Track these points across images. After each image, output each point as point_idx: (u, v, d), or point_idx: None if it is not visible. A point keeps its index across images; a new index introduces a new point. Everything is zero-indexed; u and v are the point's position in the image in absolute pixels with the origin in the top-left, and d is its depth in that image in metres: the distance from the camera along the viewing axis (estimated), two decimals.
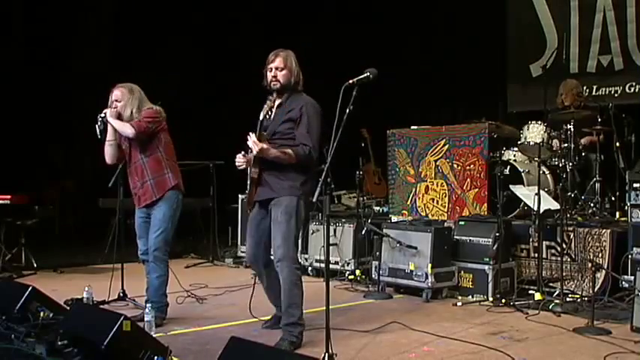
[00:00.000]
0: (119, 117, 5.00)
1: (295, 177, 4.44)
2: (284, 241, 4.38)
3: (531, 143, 6.44)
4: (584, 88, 7.69)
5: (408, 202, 7.44)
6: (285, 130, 4.44)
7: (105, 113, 5.00)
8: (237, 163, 4.51)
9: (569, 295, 5.78)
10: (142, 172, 5.02)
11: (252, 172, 4.45)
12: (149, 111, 5.02)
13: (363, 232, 6.59)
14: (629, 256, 5.55)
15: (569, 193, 6.58)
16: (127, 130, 4.91)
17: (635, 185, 5.63)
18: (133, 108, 5.01)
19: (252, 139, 4.31)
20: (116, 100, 5.04)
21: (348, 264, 7.00)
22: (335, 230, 7.10)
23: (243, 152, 4.51)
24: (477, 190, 6.96)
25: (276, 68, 4.47)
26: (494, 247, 5.90)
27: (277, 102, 4.51)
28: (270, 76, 4.50)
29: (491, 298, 5.77)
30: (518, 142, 6.66)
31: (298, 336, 4.41)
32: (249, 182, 4.47)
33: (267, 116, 4.51)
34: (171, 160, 5.13)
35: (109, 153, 5.11)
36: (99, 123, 5.01)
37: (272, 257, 4.61)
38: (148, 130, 4.97)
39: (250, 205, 4.60)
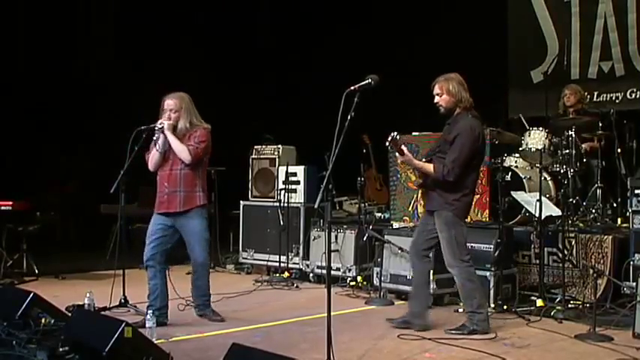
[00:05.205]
0: (173, 128, 5.12)
1: None
2: None
3: (533, 149, 6.44)
4: (585, 94, 7.70)
5: (410, 209, 7.43)
6: None
7: (162, 124, 5.08)
8: None
9: (571, 302, 5.77)
10: (176, 182, 5.13)
11: None
12: (203, 132, 5.15)
13: (365, 238, 6.60)
14: (631, 263, 5.55)
15: (570, 200, 6.57)
16: (185, 154, 5.06)
17: (636, 191, 5.62)
18: (187, 121, 5.13)
19: None
20: (171, 111, 5.13)
21: (350, 270, 7.00)
22: (336, 236, 7.10)
23: None
24: (478, 196, 6.94)
25: None
26: (496, 254, 5.89)
27: None
28: None
29: (492, 305, 5.75)
30: (520, 149, 6.67)
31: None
32: None
33: None
34: (204, 181, 5.29)
35: (156, 161, 5.19)
36: (156, 135, 5.09)
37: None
38: (201, 156, 5.15)
39: None
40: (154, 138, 5.12)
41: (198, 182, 5.21)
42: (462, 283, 4.94)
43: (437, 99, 4.98)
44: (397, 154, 4.76)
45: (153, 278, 5.15)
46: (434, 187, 4.94)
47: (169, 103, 5.16)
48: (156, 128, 5.09)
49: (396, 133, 4.66)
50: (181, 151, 5.07)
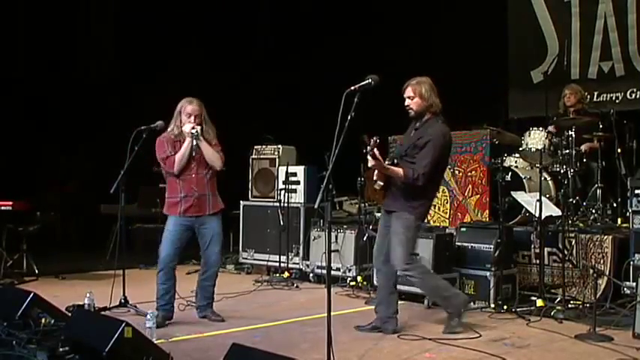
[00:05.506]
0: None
1: None
2: None
3: (533, 149, 6.44)
4: (585, 94, 7.71)
5: None
6: None
7: (196, 130, 5.15)
8: None
9: (571, 302, 5.77)
10: (204, 186, 5.26)
11: None
12: (217, 140, 5.32)
13: (365, 238, 6.59)
14: (631, 263, 5.55)
15: (570, 200, 6.57)
16: (219, 162, 5.26)
17: (636, 191, 5.61)
18: (210, 127, 5.30)
19: None
20: (197, 116, 5.20)
21: (350, 270, 7.00)
22: (336, 236, 7.10)
23: None
24: (478, 196, 6.96)
25: None
26: (496, 254, 5.89)
27: None
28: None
29: (492, 305, 5.76)
30: (520, 149, 6.66)
31: None
32: None
33: None
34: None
35: (183, 164, 5.22)
36: (194, 142, 5.14)
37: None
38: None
39: None
40: (194, 144, 5.14)
41: (216, 186, 5.38)
42: (421, 279, 5.02)
43: (408, 102, 5.00)
44: (369, 157, 4.73)
45: (171, 279, 5.21)
46: (398, 190, 4.93)
47: (194, 108, 5.21)
48: (192, 135, 5.13)
49: (376, 138, 4.68)
50: (215, 158, 5.23)
